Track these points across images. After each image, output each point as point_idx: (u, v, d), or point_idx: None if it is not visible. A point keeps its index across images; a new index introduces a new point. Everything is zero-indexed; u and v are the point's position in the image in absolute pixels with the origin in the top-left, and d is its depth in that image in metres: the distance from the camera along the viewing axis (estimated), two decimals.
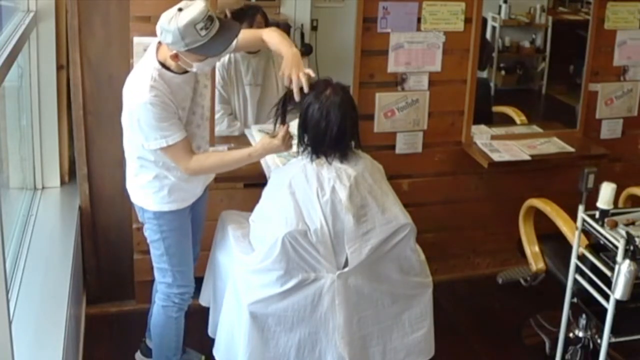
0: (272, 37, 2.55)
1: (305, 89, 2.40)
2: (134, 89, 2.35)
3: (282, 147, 2.46)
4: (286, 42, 2.51)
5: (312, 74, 2.45)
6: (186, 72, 2.38)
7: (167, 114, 2.31)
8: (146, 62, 2.38)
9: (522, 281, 3.18)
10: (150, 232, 2.61)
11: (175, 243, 2.60)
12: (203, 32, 2.21)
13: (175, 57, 2.28)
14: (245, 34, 2.60)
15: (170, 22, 2.20)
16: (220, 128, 3.40)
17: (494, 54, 4.60)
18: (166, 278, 2.65)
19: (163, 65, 2.34)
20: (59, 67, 3.18)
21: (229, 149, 3.08)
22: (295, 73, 2.40)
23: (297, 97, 2.43)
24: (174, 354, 2.76)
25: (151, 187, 2.52)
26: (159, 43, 2.35)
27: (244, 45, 2.63)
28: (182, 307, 2.71)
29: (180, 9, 2.21)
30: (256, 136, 3.25)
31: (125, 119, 2.43)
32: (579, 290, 2.72)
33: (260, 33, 2.61)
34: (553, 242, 3.03)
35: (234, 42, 2.50)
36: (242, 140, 3.17)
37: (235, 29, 2.35)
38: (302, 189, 2.39)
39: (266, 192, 2.56)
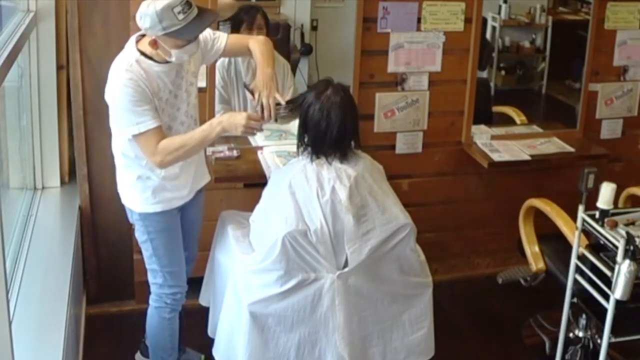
0: (255, 49, 2.57)
1: (272, 116, 2.46)
2: (110, 76, 2.37)
3: (242, 122, 2.34)
4: (266, 59, 2.54)
5: (282, 101, 2.49)
6: (167, 62, 2.37)
7: (141, 98, 2.30)
8: (124, 52, 2.40)
9: (522, 281, 3.18)
10: (139, 234, 2.60)
11: (164, 244, 2.58)
12: (181, 16, 2.22)
13: (153, 43, 2.29)
14: (233, 40, 2.63)
15: (149, 6, 2.22)
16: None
17: (494, 54, 4.60)
18: (157, 279, 2.64)
19: (142, 53, 2.35)
20: (59, 67, 3.18)
21: (229, 149, 3.08)
22: (264, 96, 2.44)
23: (265, 117, 2.46)
24: (169, 354, 2.76)
25: (135, 188, 2.51)
26: (141, 36, 2.37)
27: (231, 50, 2.64)
28: (175, 308, 2.70)
29: None
30: (256, 136, 3.24)
31: (110, 111, 2.41)
32: (579, 290, 2.72)
33: (247, 41, 2.63)
34: (553, 242, 3.03)
35: (223, 45, 2.57)
36: (242, 140, 3.17)
37: (213, 15, 2.39)
38: (302, 189, 2.39)
39: (266, 192, 2.56)
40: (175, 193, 2.55)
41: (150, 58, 2.35)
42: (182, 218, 2.67)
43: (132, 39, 2.41)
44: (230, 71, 3.57)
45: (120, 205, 2.67)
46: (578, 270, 2.68)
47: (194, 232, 2.81)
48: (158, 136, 2.33)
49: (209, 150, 3.01)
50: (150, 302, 2.72)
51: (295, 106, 2.49)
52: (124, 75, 2.31)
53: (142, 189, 2.50)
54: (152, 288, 2.69)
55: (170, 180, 2.51)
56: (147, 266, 2.66)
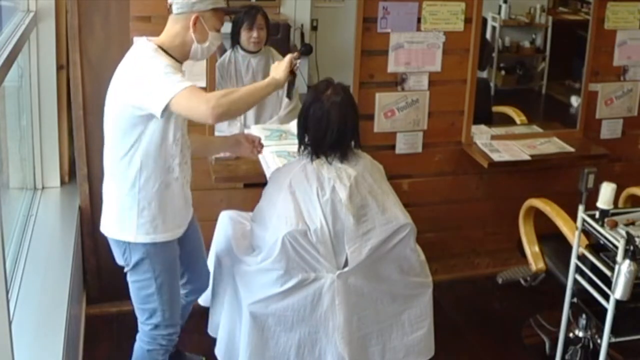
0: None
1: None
2: (129, 61, 2.21)
3: (285, 67, 2.32)
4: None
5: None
6: (179, 62, 2.29)
7: (173, 65, 2.17)
8: (137, 47, 2.26)
9: (522, 281, 3.18)
10: (139, 273, 2.36)
11: (169, 279, 2.39)
12: None
13: (194, 23, 2.22)
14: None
15: None
16: (220, 128, 3.39)
17: (494, 54, 4.60)
18: (154, 319, 2.42)
19: (159, 46, 2.25)
20: (59, 67, 3.18)
21: None
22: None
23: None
24: None
25: (141, 217, 2.29)
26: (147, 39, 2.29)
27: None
28: (169, 349, 2.51)
29: None
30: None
31: (114, 111, 2.22)
32: (579, 290, 2.72)
33: None
34: (553, 242, 3.03)
35: None
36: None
37: None
38: (302, 189, 2.39)
39: (266, 192, 2.56)
40: (177, 218, 2.39)
41: (166, 52, 2.25)
42: (185, 247, 2.51)
43: (143, 38, 2.29)
44: (230, 70, 3.57)
45: None
46: (578, 270, 2.68)
47: (200, 258, 2.68)
48: (200, 90, 2.13)
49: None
50: (140, 343, 2.49)
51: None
52: (150, 51, 2.19)
53: (149, 217, 2.29)
54: (144, 329, 2.46)
55: (176, 197, 2.35)
56: (142, 306, 2.42)
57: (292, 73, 2.37)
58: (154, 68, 2.14)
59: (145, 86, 2.12)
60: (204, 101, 2.06)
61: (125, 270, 2.40)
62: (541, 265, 3.03)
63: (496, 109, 4.18)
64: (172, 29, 2.26)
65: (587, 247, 2.67)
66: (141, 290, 2.39)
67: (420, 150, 3.51)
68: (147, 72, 2.14)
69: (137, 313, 2.46)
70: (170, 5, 2.25)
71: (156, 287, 2.37)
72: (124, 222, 2.32)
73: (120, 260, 2.41)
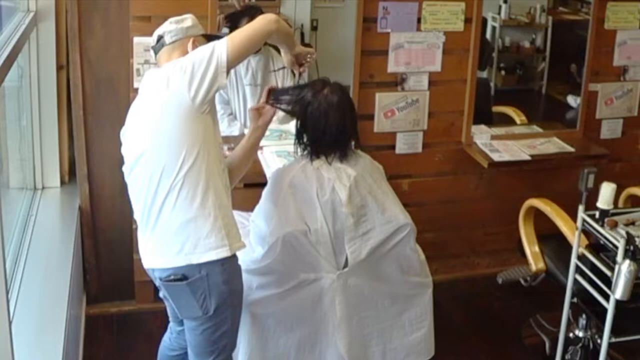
0: None
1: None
2: (162, 76, 2.11)
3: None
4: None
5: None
6: None
7: None
8: (153, 75, 2.17)
9: (522, 281, 3.18)
10: (218, 313, 2.12)
11: (241, 304, 2.24)
12: None
13: (193, 45, 2.20)
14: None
15: (179, 18, 2.24)
16: (221, 128, 3.39)
17: (494, 54, 4.60)
18: (223, 354, 2.22)
19: None
20: (59, 67, 3.18)
21: (228, 149, 3.08)
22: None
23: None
24: None
25: (216, 232, 2.10)
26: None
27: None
28: None
29: None
30: None
31: (164, 132, 2.08)
32: (579, 290, 2.73)
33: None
34: (553, 242, 3.03)
35: None
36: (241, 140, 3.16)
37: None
38: (302, 189, 2.39)
39: (266, 192, 2.55)
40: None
41: None
42: None
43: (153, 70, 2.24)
44: (230, 72, 3.56)
45: (120, 205, 2.65)
46: (578, 270, 2.68)
47: None
48: None
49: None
50: None
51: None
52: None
53: (223, 221, 2.12)
54: None
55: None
56: (211, 348, 2.18)
57: (300, 65, 2.45)
58: (185, 57, 2.11)
59: (197, 64, 2.06)
60: (257, 20, 2.14)
61: (201, 317, 2.14)
62: (541, 265, 3.03)
63: (496, 109, 4.18)
64: (170, 58, 2.19)
65: (587, 247, 2.67)
66: (215, 333, 2.18)
67: (420, 150, 3.51)
68: (190, 58, 2.09)
69: (199, 357, 2.23)
70: (160, 39, 2.21)
71: (231, 321, 2.19)
72: (201, 245, 2.10)
73: (192, 312, 2.14)
